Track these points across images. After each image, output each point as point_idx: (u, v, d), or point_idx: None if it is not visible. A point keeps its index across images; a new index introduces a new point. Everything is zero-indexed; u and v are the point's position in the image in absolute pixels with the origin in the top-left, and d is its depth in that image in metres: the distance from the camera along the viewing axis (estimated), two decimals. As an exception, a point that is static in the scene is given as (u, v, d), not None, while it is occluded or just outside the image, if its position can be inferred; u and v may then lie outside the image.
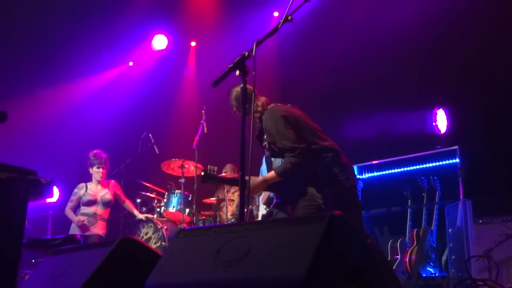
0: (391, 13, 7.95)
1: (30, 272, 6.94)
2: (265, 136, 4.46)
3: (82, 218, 7.41)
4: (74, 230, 7.44)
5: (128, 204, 7.92)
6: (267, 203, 6.35)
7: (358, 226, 4.29)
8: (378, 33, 7.99)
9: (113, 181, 7.88)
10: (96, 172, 7.64)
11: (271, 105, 4.59)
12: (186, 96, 10.58)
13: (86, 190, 7.58)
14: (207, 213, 8.45)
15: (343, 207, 4.20)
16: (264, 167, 6.74)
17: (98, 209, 7.54)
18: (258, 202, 6.54)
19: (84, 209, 7.53)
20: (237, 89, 4.56)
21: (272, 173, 4.43)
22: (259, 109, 4.53)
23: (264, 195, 6.38)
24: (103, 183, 7.70)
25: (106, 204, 7.61)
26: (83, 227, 7.36)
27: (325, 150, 4.39)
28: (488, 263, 5.67)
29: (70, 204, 7.60)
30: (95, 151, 7.72)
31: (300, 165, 4.30)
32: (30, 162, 3.73)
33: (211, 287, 2.43)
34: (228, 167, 8.35)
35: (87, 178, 7.76)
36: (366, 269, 2.43)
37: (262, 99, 4.61)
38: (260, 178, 4.49)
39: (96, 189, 7.63)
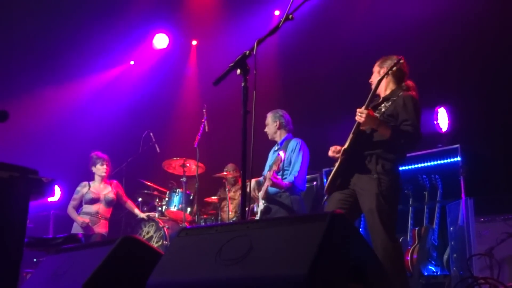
0: (393, 12, 7.94)
1: (31, 271, 6.94)
2: (386, 104, 4.49)
3: (87, 219, 7.40)
4: (76, 229, 7.43)
5: (130, 204, 7.93)
6: (266, 198, 6.37)
7: (393, 224, 4.37)
8: (380, 32, 7.98)
9: (115, 181, 7.88)
10: (100, 169, 7.64)
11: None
12: (187, 95, 10.59)
13: (89, 188, 7.58)
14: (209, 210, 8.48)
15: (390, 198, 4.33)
16: (268, 162, 6.76)
17: (100, 208, 7.53)
18: (258, 198, 6.55)
19: (86, 208, 7.52)
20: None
21: (389, 124, 4.40)
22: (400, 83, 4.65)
23: (262, 190, 6.40)
24: (105, 182, 7.71)
25: (109, 203, 7.61)
26: (86, 228, 7.36)
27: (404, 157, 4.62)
28: (489, 261, 5.67)
29: (72, 203, 7.59)
30: (96, 152, 7.74)
31: (409, 143, 4.43)
32: (31, 161, 3.73)
33: (212, 286, 2.43)
34: (229, 166, 8.34)
35: (89, 177, 7.76)
36: (368, 267, 2.43)
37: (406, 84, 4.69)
38: (377, 118, 4.40)
39: (99, 187, 7.63)
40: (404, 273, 4.44)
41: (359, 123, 4.37)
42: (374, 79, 4.68)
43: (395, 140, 4.32)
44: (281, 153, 6.05)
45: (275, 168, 6.04)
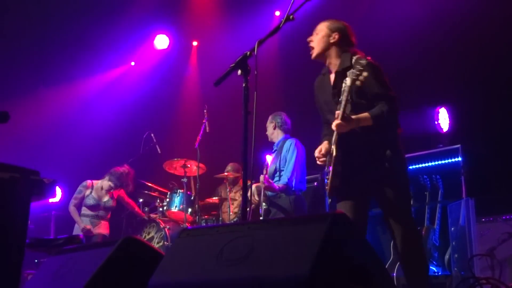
0: (393, 11, 7.93)
1: (33, 272, 6.95)
2: (347, 79, 3.87)
3: (88, 226, 7.44)
4: (77, 231, 7.47)
5: (132, 206, 7.97)
6: (266, 200, 6.40)
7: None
8: (380, 32, 7.98)
9: None
10: (107, 185, 7.69)
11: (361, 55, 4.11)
12: (188, 95, 10.59)
13: (90, 193, 7.61)
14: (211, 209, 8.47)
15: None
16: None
17: (100, 212, 7.59)
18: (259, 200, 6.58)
19: (86, 211, 7.57)
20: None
21: (366, 114, 3.98)
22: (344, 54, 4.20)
23: (261, 194, 6.42)
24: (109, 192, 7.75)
25: (108, 208, 7.69)
26: (87, 232, 7.40)
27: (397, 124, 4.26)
28: (491, 261, 5.66)
29: (74, 202, 7.61)
30: (121, 172, 7.75)
31: (394, 116, 4.10)
32: (32, 162, 3.73)
33: (214, 286, 2.43)
34: (230, 166, 8.33)
35: (89, 177, 7.77)
36: (369, 268, 2.42)
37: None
38: (353, 116, 3.94)
39: (100, 192, 7.66)
40: (427, 261, 4.22)
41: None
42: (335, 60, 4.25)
43: (379, 120, 3.98)
44: (268, 159, 6.18)
45: (264, 172, 6.14)
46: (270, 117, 6.75)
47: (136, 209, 7.99)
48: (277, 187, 6.22)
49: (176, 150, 8.97)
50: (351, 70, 3.85)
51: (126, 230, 8.22)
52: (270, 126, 6.71)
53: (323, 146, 4.17)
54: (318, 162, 4.20)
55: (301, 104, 8.88)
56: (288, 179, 6.26)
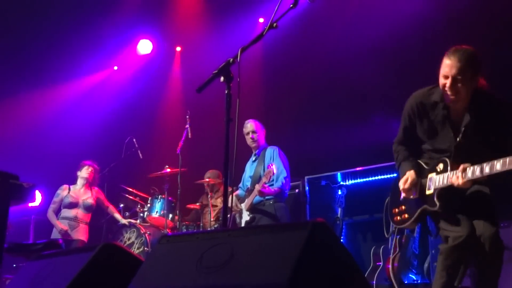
0: (384, 14, 7.88)
1: (11, 277, 6.88)
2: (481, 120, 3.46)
3: (65, 227, 7.38)
4: (56, 234, 7.41)
5: (111, 209, 7.92)
6: (250, 209, 6.38)
7: None
8: (371, 34, 7.97)
9: (96, 188, 7.87)
10: (83, 172, 7.65)
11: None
12: (170, 101, 10.56)
13: (68, 192, 7.58)
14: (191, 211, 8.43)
15: None
16: (247, 174, 6.76)
17: (79, 213, 7.54)
18: (241, 209, 6.56)
19: (65, 212, 7.52)
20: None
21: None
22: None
23: (247, 202, 6.41)
24: (86, 187, 7.69)
25: (87, 208, 7.60)
26: (65, 234, 7.34)
27: None
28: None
29: (52, 206, 7.59)
30: (89, 161, 7.79)
31: None
32: (12, 166, 3.70)
33: (193, 293, 2.42)
34: (210, 173, 8.29)
35: (70, 182, 7.73)
36: (348, 276, 2.43)
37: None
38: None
39: (79, 192, 7.64)
40: None
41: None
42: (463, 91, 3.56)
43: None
44: (273, 167, 6.07)
45: (265, 180, 6.07)
46: (258, 124, 6.68)
47: (116, 213, 7.94)
48: (273, 190, 6.22)
49: (157, 156, 8.94)
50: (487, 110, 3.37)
51: (106, 235, 8.17)
52: (261, 132, 6.66)
53: (410, 176, 3.82)
54: (403, 194, 3.89)
55: (283, 112, 8.93)
56: (283, 183, 6.26)
